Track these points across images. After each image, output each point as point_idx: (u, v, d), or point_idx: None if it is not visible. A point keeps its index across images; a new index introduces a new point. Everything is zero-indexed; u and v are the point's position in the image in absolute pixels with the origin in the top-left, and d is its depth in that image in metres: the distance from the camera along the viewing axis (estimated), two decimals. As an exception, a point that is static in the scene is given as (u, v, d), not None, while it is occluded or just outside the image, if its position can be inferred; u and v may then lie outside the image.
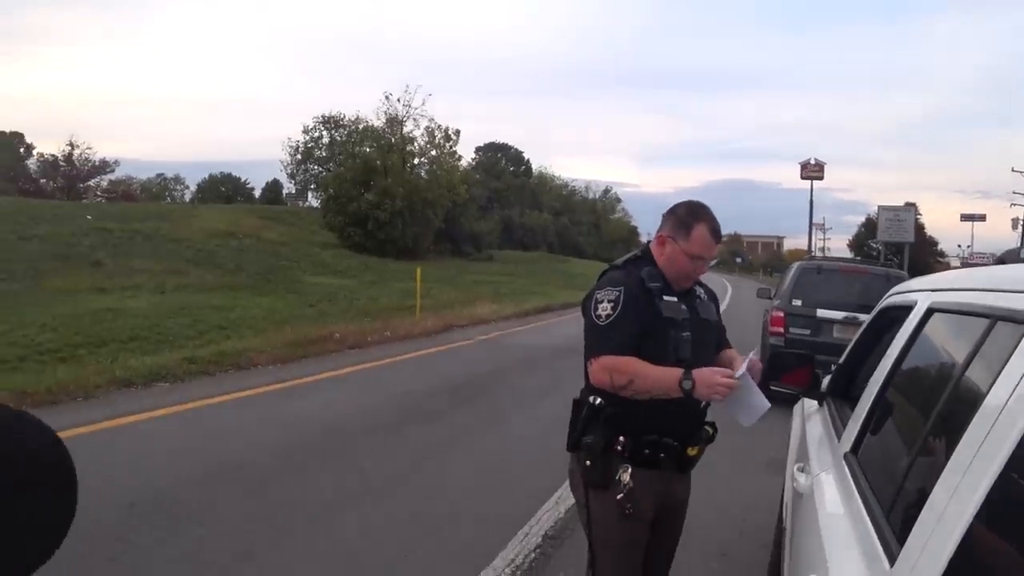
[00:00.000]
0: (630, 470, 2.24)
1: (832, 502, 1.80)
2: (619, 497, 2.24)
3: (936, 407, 1.39)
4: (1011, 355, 1.13)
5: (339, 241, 32.90)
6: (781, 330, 8.85)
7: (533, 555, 3.98)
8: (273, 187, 72.17)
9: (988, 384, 1.17)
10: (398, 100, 36.44)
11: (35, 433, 0.72)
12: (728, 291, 38.59)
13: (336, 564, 3.82)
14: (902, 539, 1.18)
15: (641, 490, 2.26)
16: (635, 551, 2.35)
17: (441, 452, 5.97)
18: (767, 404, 2.26)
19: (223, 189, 74.73)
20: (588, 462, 2.31)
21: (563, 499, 4.65)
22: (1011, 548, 0.99)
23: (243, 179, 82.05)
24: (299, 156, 42.71)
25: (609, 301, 2.27)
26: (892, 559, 1.18)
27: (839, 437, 2.24)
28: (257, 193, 77.05)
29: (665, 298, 2.31)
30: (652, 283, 2.31)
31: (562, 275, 38.89)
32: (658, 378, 2.19)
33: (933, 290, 1.94)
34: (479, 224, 43.86)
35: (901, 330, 2.05)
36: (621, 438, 2.25)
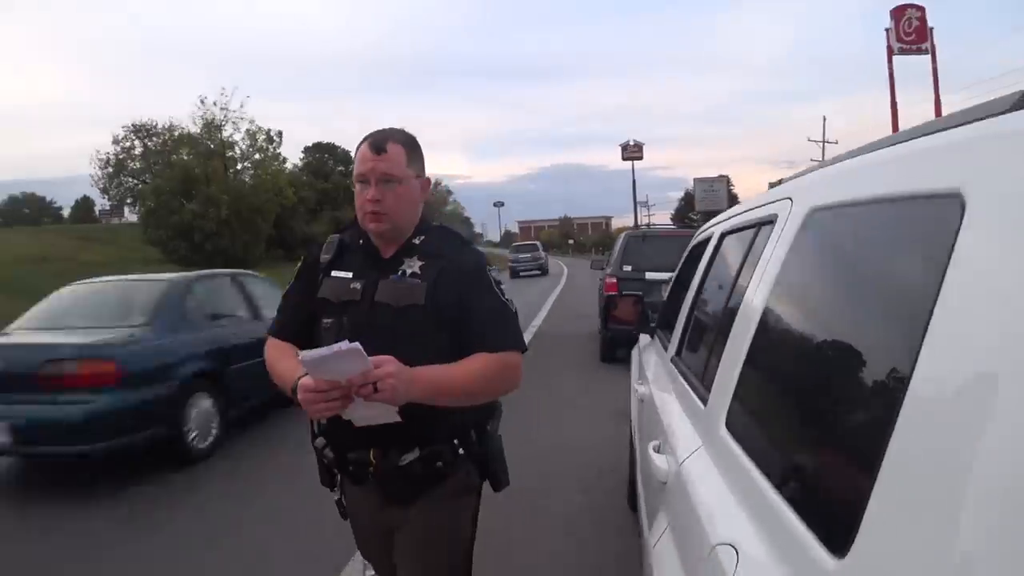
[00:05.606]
0: (339, 477, 1.97)
1: (663, 390, 2.29)
2: (336, 499, 2.02)
3: (728, 300, 1.86)
4: (764, 249, 1.59)
5: (164, 256, 31.25)
6: (615, 294, 9.64)
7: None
8: (84, 204, 67.21)
9: (751, 274, 1.62)
10: (214, 104, 34.99)
11: None
12: (564, 272, 40.32)
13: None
14: (709, 389, 1.64)
15: (350, 503, 2.00)
16: (370, 550, 2.07)
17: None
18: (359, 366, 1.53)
19: (27, 211, 68.54)
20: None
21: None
22: (763, 379, 1.45)
23: (48, 198, 75.78)
24: (111, 169, 39.78)
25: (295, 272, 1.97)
26: (705, 402, 1.65)
27: (667, 350, 2.73)
28: (66, 213, 71.44)
29: (334, 273, 1.90)
30: (325, 254, 1.95)
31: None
32: (280, 377, 1.82)
33: (724, 220, 2.47)
34: (311, 227, 42.91)
35: (703, 257, 2.56)
36: (320, 438, 1.93)
